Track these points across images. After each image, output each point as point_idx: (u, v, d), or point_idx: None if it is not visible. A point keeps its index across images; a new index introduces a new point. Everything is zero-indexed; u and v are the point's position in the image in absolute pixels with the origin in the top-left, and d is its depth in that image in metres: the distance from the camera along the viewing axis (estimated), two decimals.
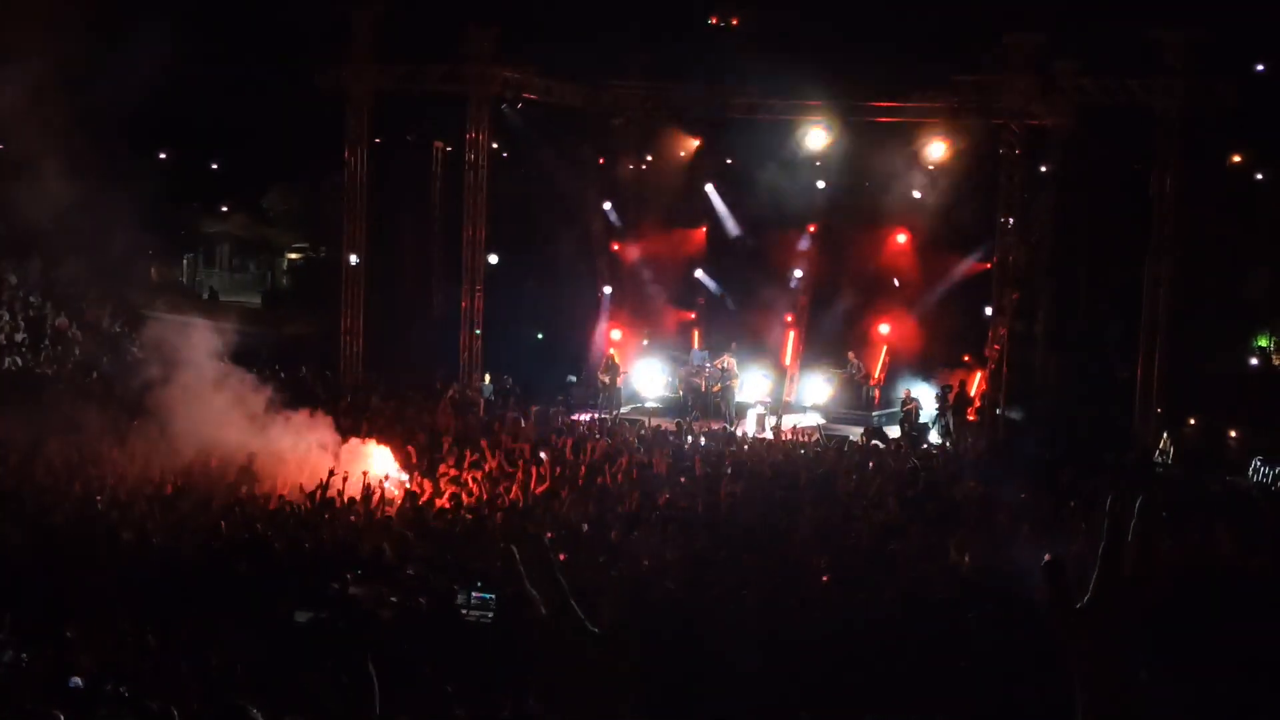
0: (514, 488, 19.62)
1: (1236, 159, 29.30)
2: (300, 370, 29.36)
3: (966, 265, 30.99)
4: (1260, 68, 28.03)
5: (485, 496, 19.26)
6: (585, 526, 17.27)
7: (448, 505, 18.48)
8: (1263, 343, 31.07)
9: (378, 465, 20.74)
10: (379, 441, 21.92)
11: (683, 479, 20.76)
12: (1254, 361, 30.85)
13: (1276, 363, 30.78)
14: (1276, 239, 28.27)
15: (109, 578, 13.80)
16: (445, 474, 20.70)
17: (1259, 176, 29.34)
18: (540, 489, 19.55)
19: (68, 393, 24.54)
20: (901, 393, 30.19)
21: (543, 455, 22.07)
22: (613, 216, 35.01)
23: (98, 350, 27.04)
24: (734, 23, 32.82)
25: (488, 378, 30.23)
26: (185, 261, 44.99)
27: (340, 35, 28.88)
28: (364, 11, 28.71)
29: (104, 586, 13.39)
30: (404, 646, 12.93)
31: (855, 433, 28.12)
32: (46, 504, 17.02)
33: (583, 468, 21.21)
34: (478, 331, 29.68)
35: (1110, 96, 25.90)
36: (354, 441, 21.77)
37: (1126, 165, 26.91)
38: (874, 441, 26.56)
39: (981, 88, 26.21)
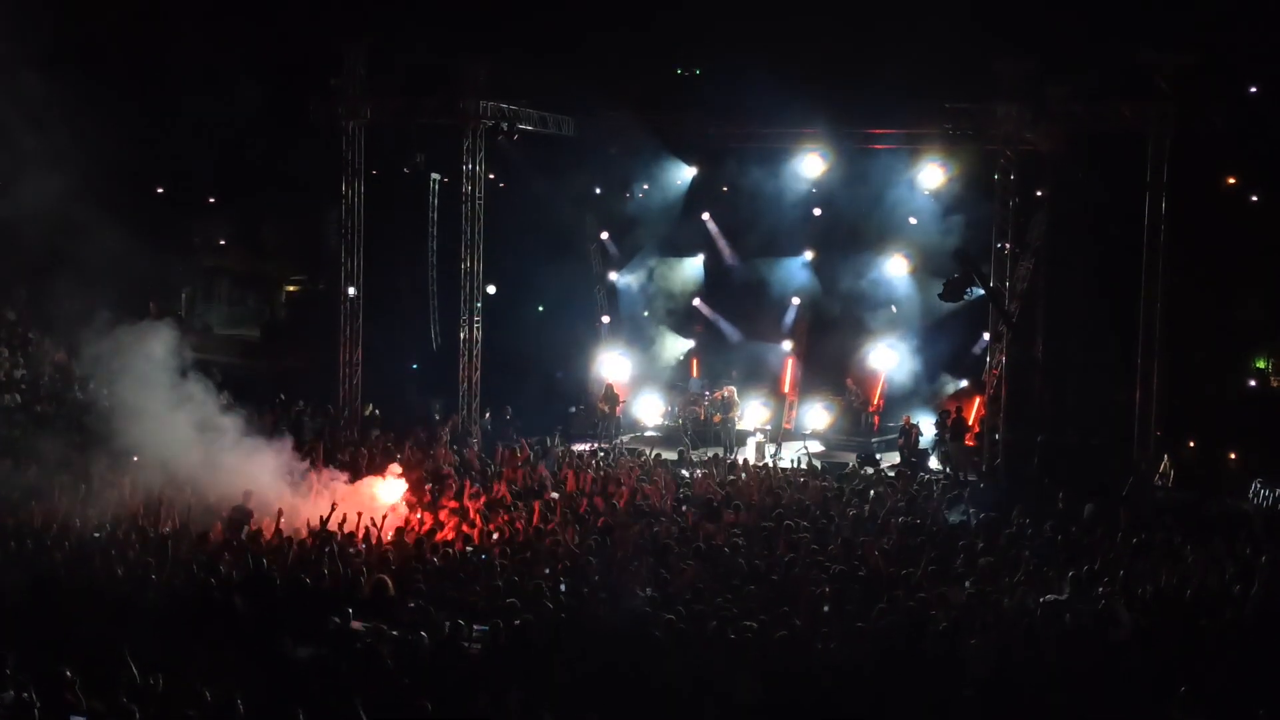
0: (516, 521, 19.62)
1: (1230, 181, 29.35)
2: (299, 403, 29.40)
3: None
4: (1253, 90, 28.10)
5: (487, 529, 19.25)
6: (589, 559, 17.26)
7: (449, 539, 18.45)
8: (1260, 364, 31.07)
9: (378, 499, 20.74)
10: (379, 475, 21.94)
11: (685, 508, 20.76)
12: (1252, 383, 30.84)
13: (1275, 384, 30.77)
14: (1271, 260, 28.31)
15: (109, 616, 13.79)
16: (446, 507, 20.70)
17: (1254, 198, 29.38)
18: (541, 522, 19.54)
19: (66, 429, 24.53)
20: (901, 419, 30.20)
21: (543, 487, 22.09)
22: (610, 246, 35.12)
23: (95, 386, 26.95)
24: (696, 73, 32.97)
25: (487, 414, 30.20)
26: (184, 295, 45.02)
27: (334, 69, 28.99)
28: (357, 45, 28.82)
29: (104, 625, 13.37)
30: (405, 681, 12.92)
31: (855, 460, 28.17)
32: (46, 542, 17.00)
33: (583, 499, 21.21)
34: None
35: (1102, 121, 25.98)
36: (352, 474, 21.80)
37: (1120, 189, 26.94)
38: (865, 468, 26.59)
39: (974, 114, 26.30)
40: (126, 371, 21.85)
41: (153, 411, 20.98)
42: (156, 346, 21.81)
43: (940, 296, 25.32)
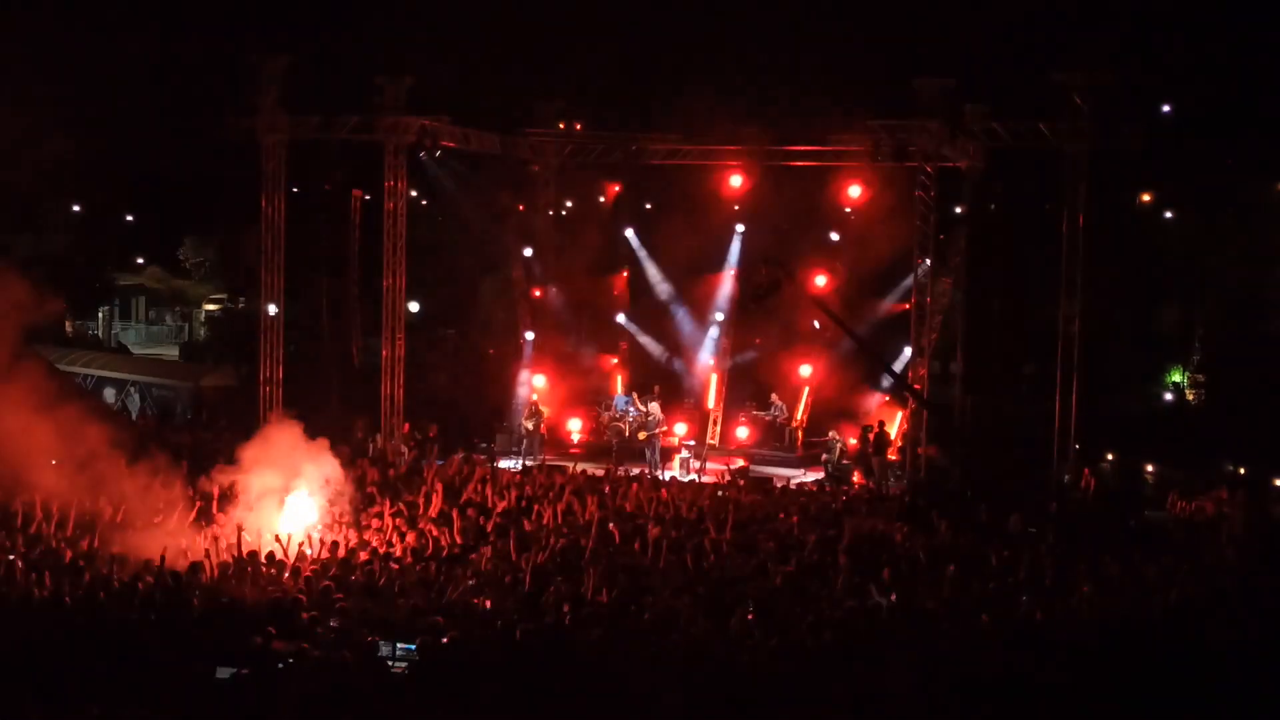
0: (442, 538, 19.46)
1: (1144, 198, 29.89)
2: (220, 422, 29.03)
3: (885, 306, 31.32)
4: (1165, 109, 28.66)
5: (410, 547, 19.08)
6: (507, 577, 17.17)
7: (372, 557, 18.26)
8: (1176, 377, 31.60)
9: (300, 517, 20.47)
10: (301, 492, 21.64)
11: (610, 525, 20.70)
12: (1168, 396, 31.37)
13: (1190, 397, 31.31)
14: (1184, 275, 28.84)
15: (22, 640, 13.52)
16: (369, 525, 20.49)
17: (1167, 215, 29.93)
18: (468, 539, 19.41)
19: None
20: (825, 433, 30.36)
21: (469, 504, 21.94)
22: (533, 262, 35.01)
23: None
24: (578, 127, 32.87)
25: (407, 426, 29.96)
26: (100, 315, 44.34)
27: (254, 84, 28.66)
28: (276, 60, 28.51)
29: (15, 650, 13.11)
30: (328, 700, 12.77)
31: (779, 474, 28.25)
32: None
33: (510, 515, 21.11)
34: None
35: (1020, 139, 26.36)
36: (276, 494, 21.50)
37: (1038, 205, 27.34)
38: (739, 480, 26.51)
39: (894, 131, 26.55)
40: None
41: None
42: None
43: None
